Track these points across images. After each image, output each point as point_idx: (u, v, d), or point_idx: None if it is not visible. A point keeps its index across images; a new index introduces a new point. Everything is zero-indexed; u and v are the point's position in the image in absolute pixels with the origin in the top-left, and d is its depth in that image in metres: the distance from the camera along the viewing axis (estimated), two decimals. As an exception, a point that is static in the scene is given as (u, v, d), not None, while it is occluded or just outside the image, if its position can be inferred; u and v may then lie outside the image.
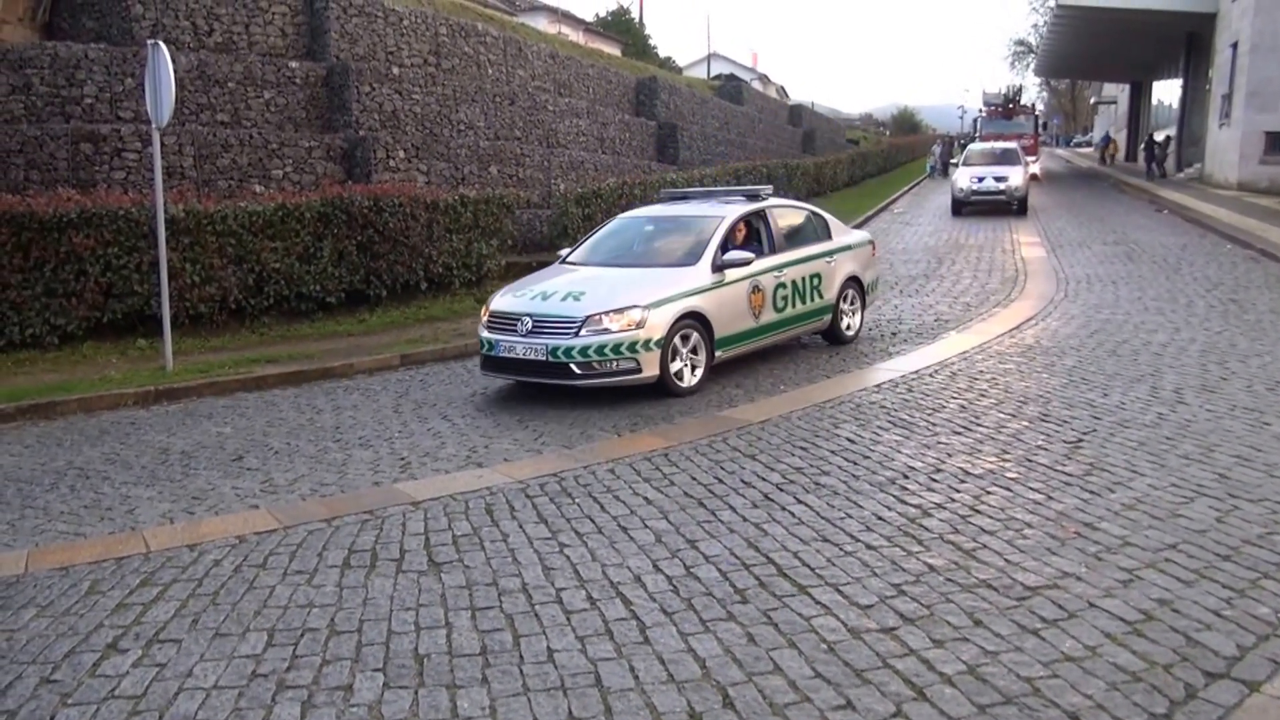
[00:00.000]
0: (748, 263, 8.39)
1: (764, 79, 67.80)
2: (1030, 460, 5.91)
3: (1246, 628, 3.75)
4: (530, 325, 7.73)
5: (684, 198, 10.15)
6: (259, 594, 4.44)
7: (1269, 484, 5.33)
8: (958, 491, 5.40)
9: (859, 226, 22.24)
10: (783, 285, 8.85)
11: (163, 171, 9.57)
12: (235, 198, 11.99)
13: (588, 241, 9.41)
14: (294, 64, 14.86)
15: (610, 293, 7.85)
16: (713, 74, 51.85)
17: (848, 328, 9.92)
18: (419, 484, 6.02)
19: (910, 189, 34.00)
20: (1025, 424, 6.71)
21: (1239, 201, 23.48)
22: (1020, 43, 71.08)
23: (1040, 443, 6.26)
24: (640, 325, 7.56)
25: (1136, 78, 49.53)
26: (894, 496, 5.36)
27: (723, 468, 6.03)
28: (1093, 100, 76.63)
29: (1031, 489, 5.39)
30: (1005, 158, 24.44)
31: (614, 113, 22.92)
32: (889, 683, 3.46)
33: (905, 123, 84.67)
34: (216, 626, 4.12)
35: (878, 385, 8.06)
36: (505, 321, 7.92)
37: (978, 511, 5.08)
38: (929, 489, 5.46)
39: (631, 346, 7.53)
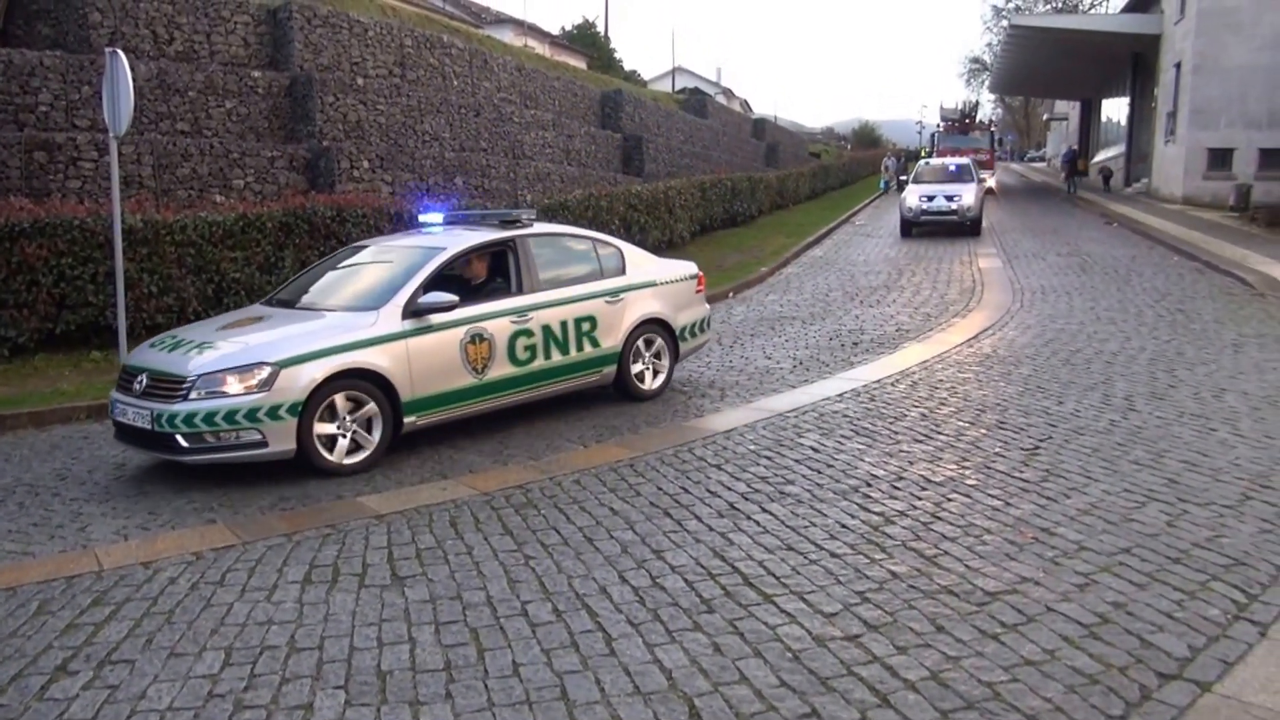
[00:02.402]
0: (450, 306, 6.83)
1: (728, 93, 68.36)
2: (989, 467, 6.00)
3: (1197, 629, 3.84)
4: (145, 383, 6.31)
5: (447, 223, 8.35)
6: (216, 611, 4.36)
7: (1215, 488, 5.47)
8: (919, 499, 5.47)
9: (822, 239, 22.59)
10: (527, 332, 7.31)
11: (120, 181, 9.41)
12: (195, 207, 11.82)
13: (303, 275, 8.02)
14: (256, 73, 14.72)
15: (246, 345, 6.43)
16: (677, 88, 52.22)
17: (644, 379, 8.28)
18: (382, 497, 5.97)
19: (871, 202, 34.42)
20: (984, 432, 6.81)
21: (1184, 215, 24.10)
22: (975, 60, 72.66)
23: (998, 450, 6.36)
24: (266, 387, 6.08)
25: (1086, 96, 50.75)
26: (857, 504, 5.41)
27: (689, 477, 6.05)
28: (1045, 117, 78.23)
29: (990, 495, 5.48)
30: (958, 175, 22.97)
31: (580, 125, 22.97)
32: (854, 690, 3.49)
33: (866, 137, 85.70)
34: (171, 646, 4.03)
35: (840, 395, 8.13)
36: (127, 378, 6.55)
37: (939, 518, 5.14)
38: (891, 497, 5.52)
39: (252, 414, 6.03)
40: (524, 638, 3.98)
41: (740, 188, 24.81)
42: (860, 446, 6.58)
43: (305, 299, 7.38)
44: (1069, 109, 61.83)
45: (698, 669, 3.67)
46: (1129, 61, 36.11)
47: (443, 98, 17.67)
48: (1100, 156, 42.36)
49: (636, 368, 8.24)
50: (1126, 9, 37.54)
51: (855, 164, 52.28)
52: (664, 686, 3.56)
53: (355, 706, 3.52)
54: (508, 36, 35.82)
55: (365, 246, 8.13)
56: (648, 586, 4.44)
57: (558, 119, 21.80)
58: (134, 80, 9.13)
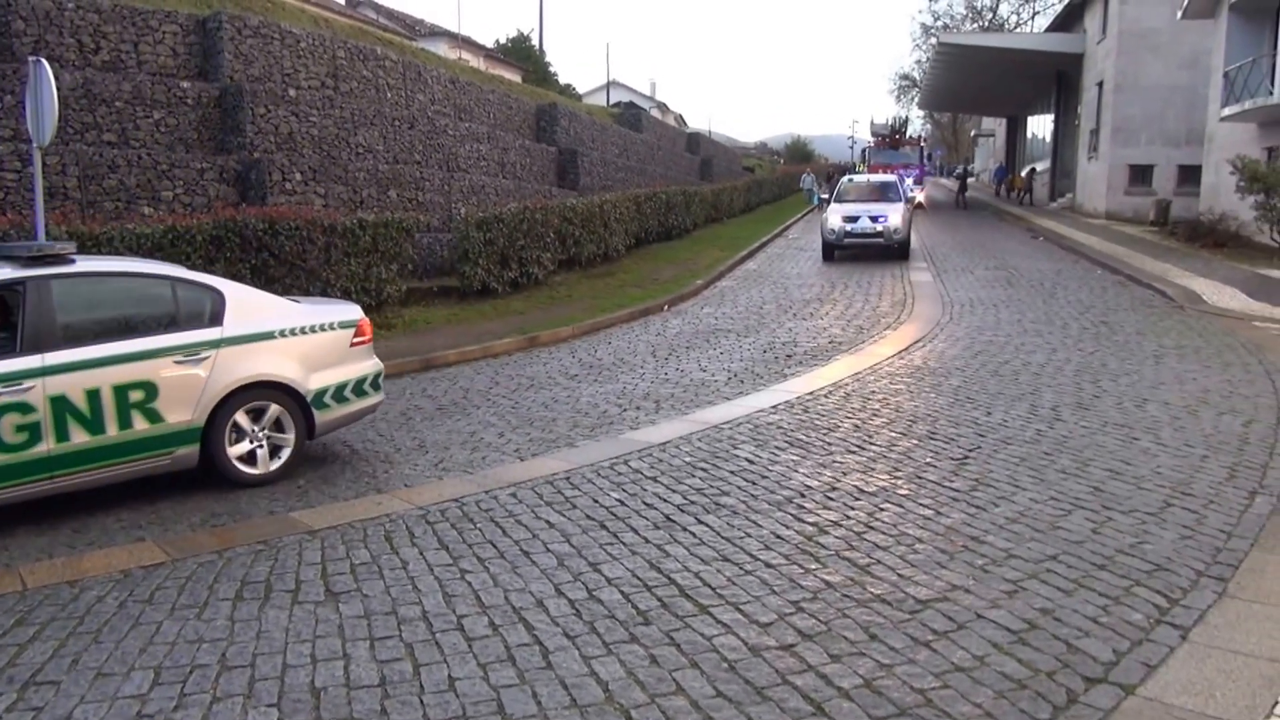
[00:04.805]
0: None
1: (663, 107, 68.86)
2: (920, 477, 6.13)
3: (1121, 633, 3.98)
4: None
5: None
6: (145, 630, 4.24)
7: (1138, 496, 5.67)
8: (852, 509, 5.56)
9: (756, 252, 22.75)
10: (21, 407, 5.54)
11: (44, 192, 9.11)
12: (122, 220, 11.51)
13: None
14: (185, 84, 14.39)
15: None
16: (612, 101, 52.48)
17: (254, 460, 6.48)
18: (315, 512, 5.87)
19: (804, 216, 34.92)
20: (915, 442, 6.96)
21: (1107, 229, 24.98)
22: (905, 77, 74.23)
23: (929, 460, 6.50)
24: None
25: (1013, 113, 52.39)
26: (791, 515, 5.49)
27: (624, 490, 6.07)
28: (973, 133, 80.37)
29: (921, 505, 5.60)
30: (884, 193, 21.12)
31: (515, 138, 22.91)
32: (789, 699, 3.53)
33: (798, 152, 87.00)
34: (98, 666, 3.92)
35: (774, 406, 8.23)
36: None
37: (871, 528, 5.24)
38: (825, 507, 5.61)
39: None
40: (460, 652, 3.95)
41: (675, 201, 24.99)
42: (794, 458, 6.67)
43: None
44: (996, 125, 63.65)
45: (634, 681, 3.69)
46: (1054, 79, 37.40)
47: (376, 110, 17.49)
48: (1024, 172, 43.74)
49: (240, 446, 6.42)
50: (1051, 28, 38.88)
51: (788, 178, 53.12)
52: (601, 699, 3.57)
53: (288, 727, 3.45)
54: (442, 49, 35.57)
55: None
56: (584, 599, 4.44)
57: (492, 132, 21.71)
58: (59, 90, 8.87)
